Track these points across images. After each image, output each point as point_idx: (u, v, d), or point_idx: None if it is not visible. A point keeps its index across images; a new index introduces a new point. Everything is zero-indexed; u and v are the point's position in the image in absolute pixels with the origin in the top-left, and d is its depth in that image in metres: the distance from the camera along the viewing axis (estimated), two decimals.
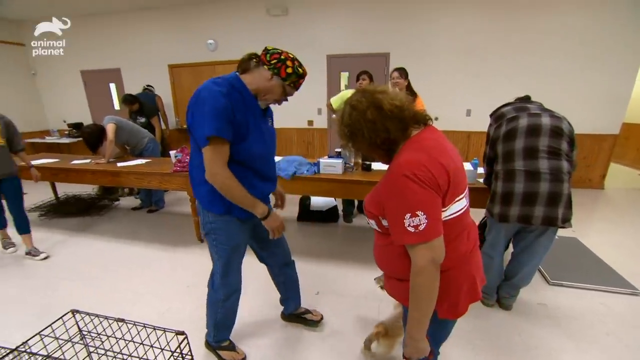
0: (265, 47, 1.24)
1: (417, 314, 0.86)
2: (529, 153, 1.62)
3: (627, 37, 3.84)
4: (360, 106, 0.91)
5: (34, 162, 2.98)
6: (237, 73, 1.26)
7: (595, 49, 3.95)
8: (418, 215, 0.80)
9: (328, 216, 3.37)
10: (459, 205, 0.90)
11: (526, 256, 1.79)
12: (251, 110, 1.26)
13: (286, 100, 1.34)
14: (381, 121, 0.88)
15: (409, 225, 0.80)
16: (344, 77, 4.92)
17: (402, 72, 2.89)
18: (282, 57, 1.21)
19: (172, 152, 2.88)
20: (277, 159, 2.69)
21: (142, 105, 4.03)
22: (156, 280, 2.36)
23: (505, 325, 1.81)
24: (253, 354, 1.65)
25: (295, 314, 1.87)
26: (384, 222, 0.92)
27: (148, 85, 4.97)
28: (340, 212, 3.47)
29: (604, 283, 2.14)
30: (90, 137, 3.28)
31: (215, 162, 1.17)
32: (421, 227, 0.80)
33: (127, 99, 3.90)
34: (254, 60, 1.25)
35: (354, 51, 4.68)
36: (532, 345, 1.67)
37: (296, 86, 1.27)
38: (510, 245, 1.96)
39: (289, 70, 1.21)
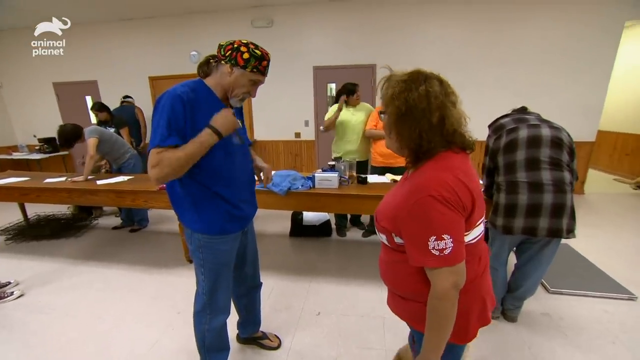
0: (219, 44, 1.18)
1: (435, 339, 0.82)
2: (531, 164, 1.63)
3: (599, 51, 4.07)
4: (438, 95, 0.80)
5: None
6: (200, 78, 1.21)
7: (572, 61, 4.16)
8: (444, 239, 0.76)
9: (321, 230, 3.30)
10: (478, 230, 0.87)
11: (531, 267, 1.78)
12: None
13: (256, 86, 1.25)
14: (429, 110, 0.79)
15: (433, 248, 0.76)
16: (330, 88, 4.92)
17: None
18: (235, 45, 1.15)
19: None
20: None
21: (112, 115, 3.86)
22: (142, 306, 2.19)
23: (514, 339, 1.79)
24: None
25: (253, 337, 1.78)
26: (397, 239, 0.88)
27: (126, 97, 4.75)
28: (333, 226, 3.40)
29: (601, 289, 2.17)
30: (63, 134, 3.04)
31: (151, 161, 1.08)
32: (447, 251, 0.76)
33: (95, 106, 3.77)
34: (212, 61, 1.21)
35: (340, 63, 4.70)
36: (544, 359, 1.65)
37: (260, 70, 1.19)
38: (512, 256, 1.95)
39: (246, 55, 1.15)
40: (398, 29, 4.45)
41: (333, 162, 2.68)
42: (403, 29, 4.44)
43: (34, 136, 5.83)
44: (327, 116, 3.08)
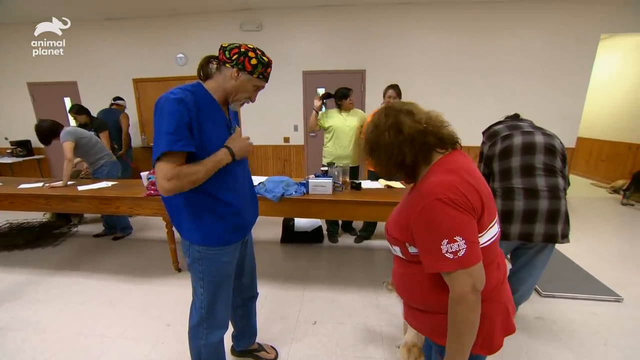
0: (221, 45, 1.15)
1: (458, 346, 0.80)
2: (526, 171, 1.66)
3: (577, 61, 4.28)
4: (381, 125, 0.87)
5: None
6: (199, 82, 1.17)
7: (552, 70, 4.35)
8: (457, 241, 0.75)
9: (313, 237, 3.26)
10: (492, 232, 0.86)
11: (526, 273, 1.81)
12: (218, 122, 1.17)
13: (257, 92, 1.25)
14: (398, 145, 0.84)
15: (446, 252, 0.75)
16: (321, 93, 4.91)
17: (396, 89, 2.88)
18: (242, 49, 1.13)
19: (144, 174, 2.63)
20: (262, 179, 2.57)
21: (92, 118, 3.69)
22: (129, 319, 2.08)
23: (512, 344, 1.80)
24: None
25: (249, 349, 1.73)
26: (411, 249, 0.86)
27: (116, 98, 4.46)
28: (325, 232, 3.37)
29: (589, 292, 2.24)
30: (43, 130, 2.90)
31: (164, 172, 1.03)
32: (461, 253, 0.75)
33: (73, 109, 3.60)
34: (213, 62, 1.18)
35: (330, 68, 4.72)
36: None
37: (265, 76, 1.20)
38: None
39: (254, 61, 1.13)
40: (387, 35, 4.51)
41: (326, 168, 2.66)
42: (391, 35, 4.51)
43: (6, 139, 5.53)
44: (322, 122, 3.07)
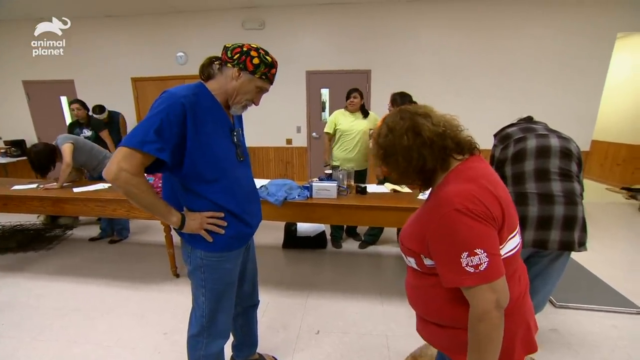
0: (224, 46, 1.15)
1: None
2: (541, 175, 1.64)
3: (592, 61, 4.25)
4: (398, 129, 0.85)
5: None
6: (202, 82, 1.17)
7: (565, 70, 4.33)
8: (477, 254, 0.73)
9: (316, 242, 3.25)
10: (513, 243, 0.84)
11: (540, 282, 1.79)
12: (220, 124, 1.17)
13: (261, 94, 1.24)
14: (417, 149, 0.83)
15: (467, 265, 0.74)
16: (324, 94, 4.93)
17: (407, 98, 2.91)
18: (245, 49, 1.12)
19: None
20: (264, 182, 2.57)
21: (90, 117, 3.71)
22: (125, 327, 2.07)
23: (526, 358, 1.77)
24: None
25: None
26: (427, 261, 0.85)
27: (98, 109, 3.99)
28: (329, 237, 3.36)
29: (608, 303, 2.20)
30: (38, 157, 2.86)
31: (125, 160, 0.99)
32: (482, 267, 0.73)
33: (81, 104, 3.67)
34: (216, 62, 1.17)
35: (334, 68, 4.73)
36: None
37: (268, 77, 1.18)
38: None
39: (255, 60, 1.12)
40: (393, 35, 4.52)
41: (330, 171, 2.65)
42: (398, 35, 4.51)
43: (0, 138, 5.57)
44: (330, 130, 3.15)
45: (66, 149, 2.83)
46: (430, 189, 0.91)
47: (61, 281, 2.65)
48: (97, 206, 2.60)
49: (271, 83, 1.21)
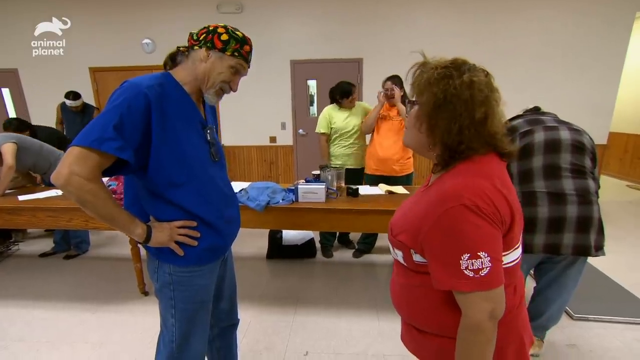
0: (190, 32, 1.14)
1: None
2: (550, 172, 1.64)
3: (608, 45, 4.32)
4: (455, 78, 0.79)
5: None
6: (168, 72, 1.15)
7: (577, 56, 4.41)
8: (480, 257, 0.72)
9: (304, 251, 3.25)
10: (516, 254, 0.85)
11: (554, 291, 1.79)
12: (190, 119, 1.14)
13: (238, 77, 1.20)
14: (472, 105, 0.77)
15: (466, 268, 0.73)
16: (312, 85, 4.93)
17: (397, 80, 2.91)
18: (211, 28, 1.11)
19: (104, 180, 2.57)
20: (244, 185, 2.54)
21: (35, 131, 3.35)
22: (83, 357, 2.01)
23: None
24: None
25: None
26: (416, 257, 0.84)
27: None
28: (318, 245, 3.35)
29: (631, 314, 2.22)
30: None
31: (78, 162, 0.94)
32: (483, 272, 0.72)
33: (12, 123, 3.21)
34: (182, 49, 1.16)
35: (322, 56, 4.73)
36: None
37: (242, 55, 1.14)
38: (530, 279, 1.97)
39: (224, 37, 1.10)
40: (387, 19, 4.54)
41: (318, 172, 2.64)
42: (392, 19, 4.54)
43: None
44: (324, 128, 3.14)
45: (7, 150, 2.72)
46: (437, 175, 0.88)
47: (4, 306, 2.55)
48: (49, 216, 2.53)
49: (247, 62, 1.19)
